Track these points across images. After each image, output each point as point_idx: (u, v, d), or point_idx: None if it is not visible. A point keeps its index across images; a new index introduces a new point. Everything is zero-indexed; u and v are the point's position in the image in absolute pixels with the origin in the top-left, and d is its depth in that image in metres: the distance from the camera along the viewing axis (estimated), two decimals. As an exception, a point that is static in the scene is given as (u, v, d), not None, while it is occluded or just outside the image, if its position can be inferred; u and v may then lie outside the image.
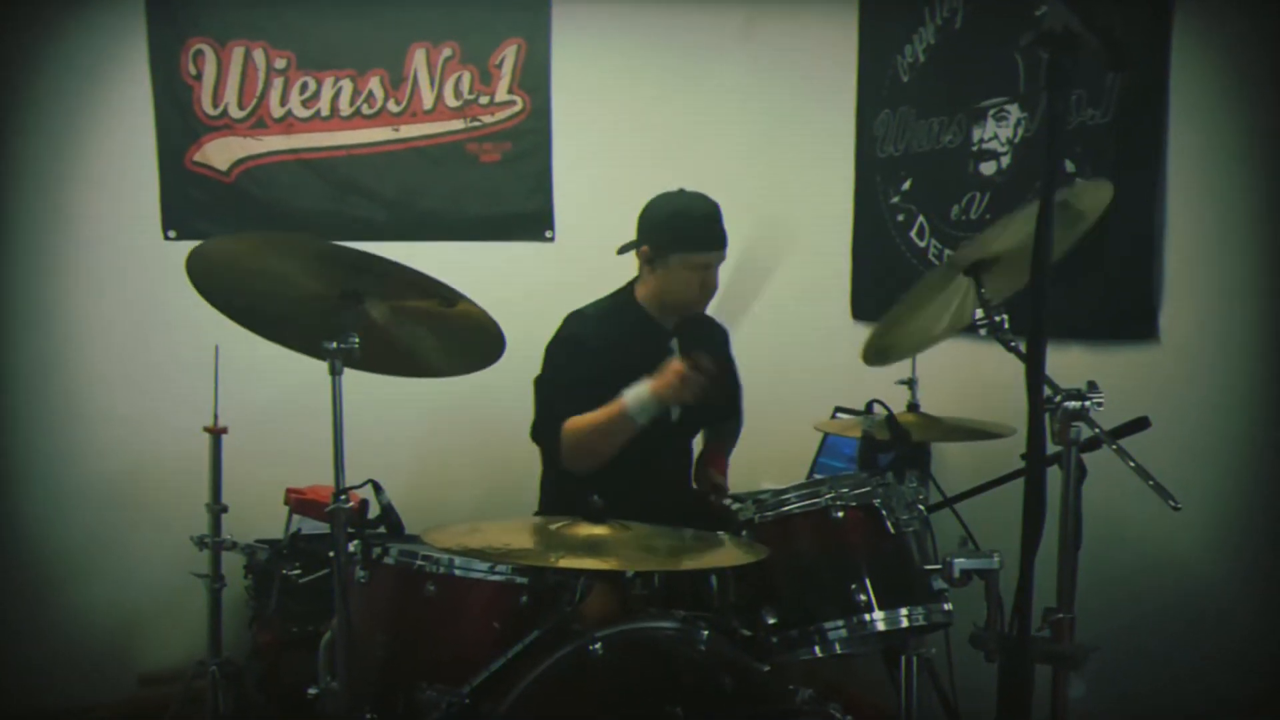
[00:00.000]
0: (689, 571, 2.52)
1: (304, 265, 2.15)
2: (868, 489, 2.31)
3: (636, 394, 2.68)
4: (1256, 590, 2.43)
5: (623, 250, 3.01)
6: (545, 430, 2.87)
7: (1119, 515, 2.46)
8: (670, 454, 3.11)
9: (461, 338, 2.34)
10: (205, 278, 2.20)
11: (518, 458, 3.20)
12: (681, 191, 2.96)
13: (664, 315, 3.02)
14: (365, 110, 3.92)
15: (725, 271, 2.98)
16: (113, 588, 3.73)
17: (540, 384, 2.95)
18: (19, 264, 3.61)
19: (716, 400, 2.88)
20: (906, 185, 3.47)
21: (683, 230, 2.90)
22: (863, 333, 2.42)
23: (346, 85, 3.89)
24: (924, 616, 2.25)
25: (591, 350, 2.91)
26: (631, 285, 3.04)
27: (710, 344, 3.06)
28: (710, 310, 3.09)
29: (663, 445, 2.98)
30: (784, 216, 4.11)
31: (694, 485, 3.22)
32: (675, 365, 2.69)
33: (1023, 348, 1.79)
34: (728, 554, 2.22)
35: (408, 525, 2.76)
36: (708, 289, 2.95)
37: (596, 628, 2.20)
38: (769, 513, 2.33)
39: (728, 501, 2.68)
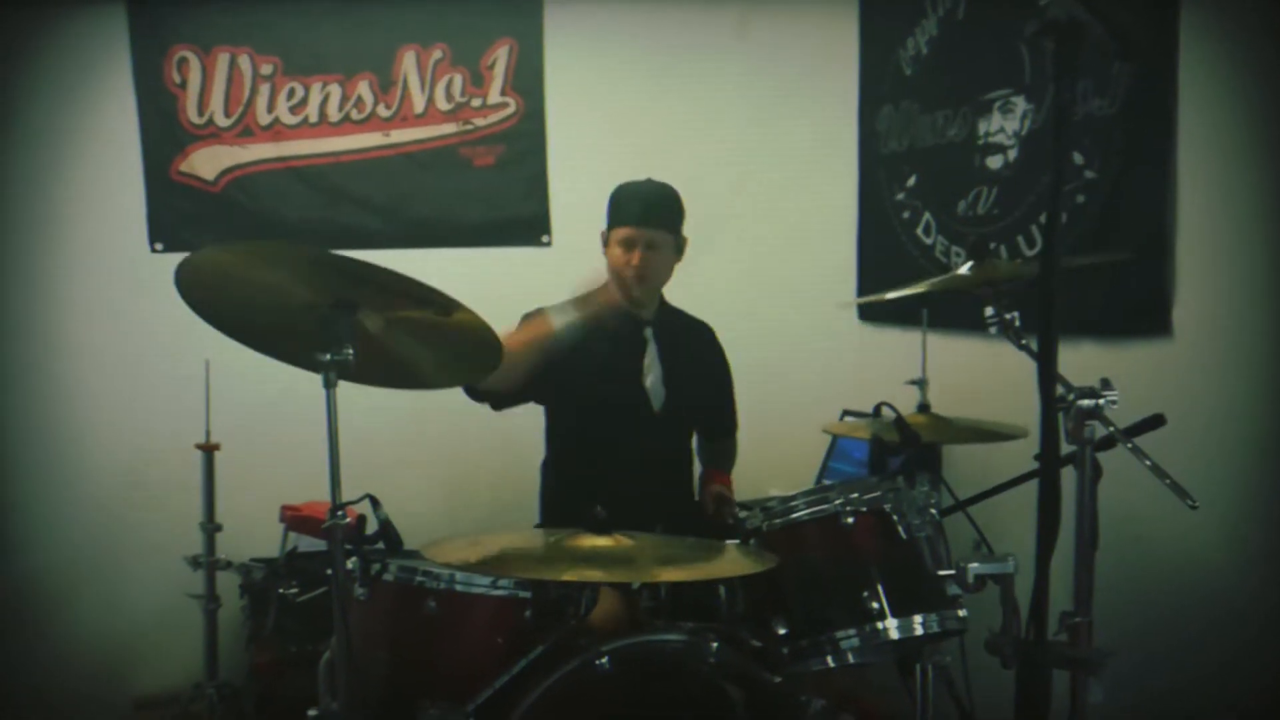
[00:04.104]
0: (697, 582, 2.47)
1: (295, 274, 2.11)
2: (878, 494, 2.29)
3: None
4: (1275, 589, 2.40)
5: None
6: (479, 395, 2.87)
7: (1135, 515, 2.44)
8: (663, 453, 3.05)
9: (457, 348, 2.30)
10: (194, 289, 2.15)
11: (517, 470, 3.19)
12: (648, 180, 2.97)
13: (635, 305, 2.98)
14: (354, 115, 3.88)
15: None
16: (105, 610, 3.71)
17: None
18: (2, 278, 3.59)
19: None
20: (911, 181, 3.44)
21: (614, 206, 2.95)
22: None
23: (335, 90, 3.86)
24: (938, 623, 2.23)
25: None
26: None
27: (687, 340, 3.07)
28: None
29: (652, 439, 2.97)
30: (787, 217, 4.08)
31: (697, 498, 3.17)
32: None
33: (1034, 346, 1.75)
34: (736, 563, 2.19)
35: (406, 540, 2.72)
36: (634, 266, 2.88)
37: (603, 639, 2.18)
38: (777, 520, 2.32)
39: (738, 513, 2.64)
